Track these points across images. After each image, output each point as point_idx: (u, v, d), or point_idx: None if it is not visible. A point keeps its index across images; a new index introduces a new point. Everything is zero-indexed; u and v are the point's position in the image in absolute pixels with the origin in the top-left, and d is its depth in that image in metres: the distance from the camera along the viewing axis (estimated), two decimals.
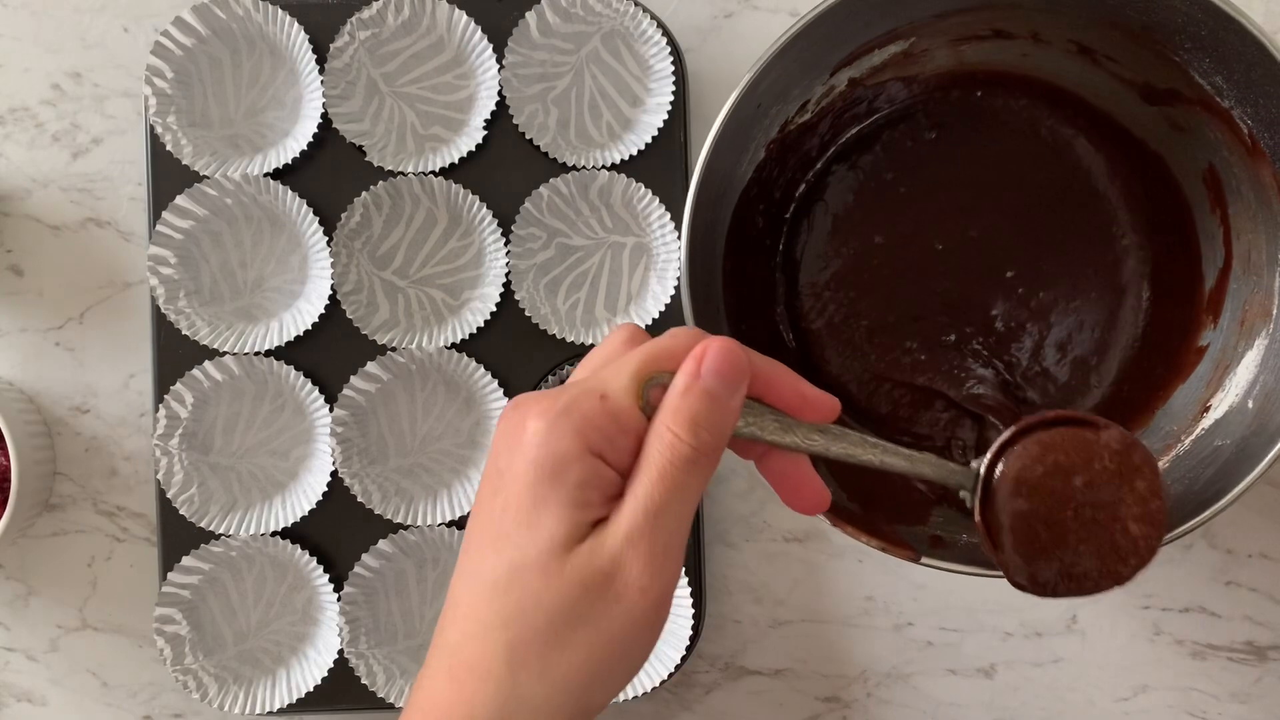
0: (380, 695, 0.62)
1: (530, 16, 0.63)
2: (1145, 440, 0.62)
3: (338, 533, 0.64)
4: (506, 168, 0.64)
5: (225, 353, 0.63)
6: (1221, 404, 0.60)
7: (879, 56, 0.60)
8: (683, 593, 0.63)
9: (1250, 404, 0.58)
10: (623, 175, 0.64)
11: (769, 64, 0.53)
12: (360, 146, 0.64)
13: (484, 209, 0.64)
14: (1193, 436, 0.60)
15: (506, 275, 0.64)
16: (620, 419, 0.40)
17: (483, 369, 0.63)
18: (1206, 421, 0.60)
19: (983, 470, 0.43)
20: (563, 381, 0.65)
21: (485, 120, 0.64)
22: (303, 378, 0.63)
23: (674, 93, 0.64)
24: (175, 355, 0.64)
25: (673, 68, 0.64)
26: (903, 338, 0.64)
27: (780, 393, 0.43)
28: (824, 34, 0.54)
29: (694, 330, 0.42)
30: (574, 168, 0.64)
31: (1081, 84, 0.63)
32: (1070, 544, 0.43)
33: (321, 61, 0.63)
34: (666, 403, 0.40)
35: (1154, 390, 0.64)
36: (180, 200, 0.63)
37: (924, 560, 0.54)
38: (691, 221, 0.54)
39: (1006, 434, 0.43)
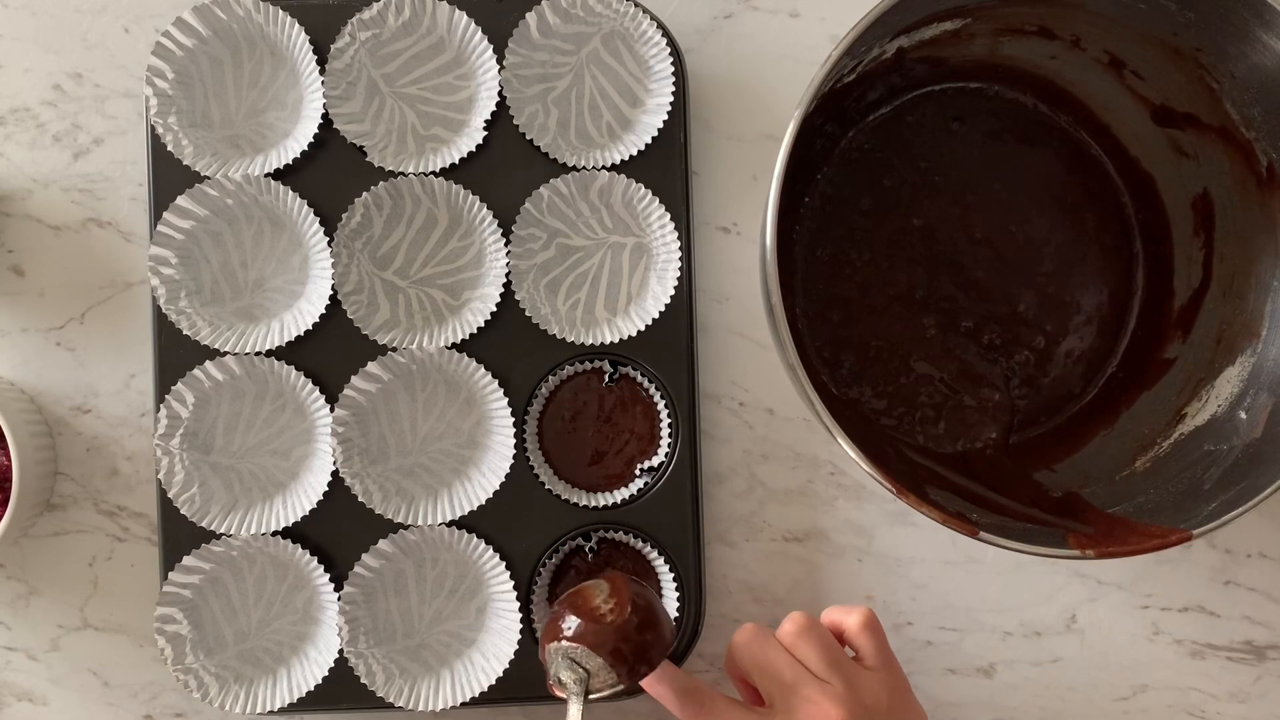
0: (380, 694, 0.62)
1: (530, 17, 0.63)
2: (1113, 440, 0.64)
3: (338, 532, 0.64)
4: (507, 168, 0.65)
5: (226, 353, 0.63)
6: (1200, 413, 0.60)
7: (932, 30, 0.60)
8: (670, 591, 0.64)
9: (1243, 414, 0.58)
10: (623, 175, 0.64)
11: (887, 11, 0.53)
12: (361, 147, 0.64)
13: (484, 209, 0.64)
14: (1171, 440, 0.60)
15: (507, 275, 0.64)
16: None
17: (483, 369, 0.64)
18: (1185, 427, 0.61)
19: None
20: (563, 382, 0.66)
21: (486, 121, 0.64)
22: (303, 378, 0.63)
23: (674, 93, 0.64)
24: (176, 355, 0.64)
25: (672, 68, 0.64)
26: (922, 314, 0.65)
27: None
28: None
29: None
30: (574, 168, 0.64)
31: (1094, 95, 0.64)
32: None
33: (322, 62, 0.64)
34: None
35: (1119, 395, 0.65)
36: (181, 200, 0.63)
37: (982, 535, 0.53)
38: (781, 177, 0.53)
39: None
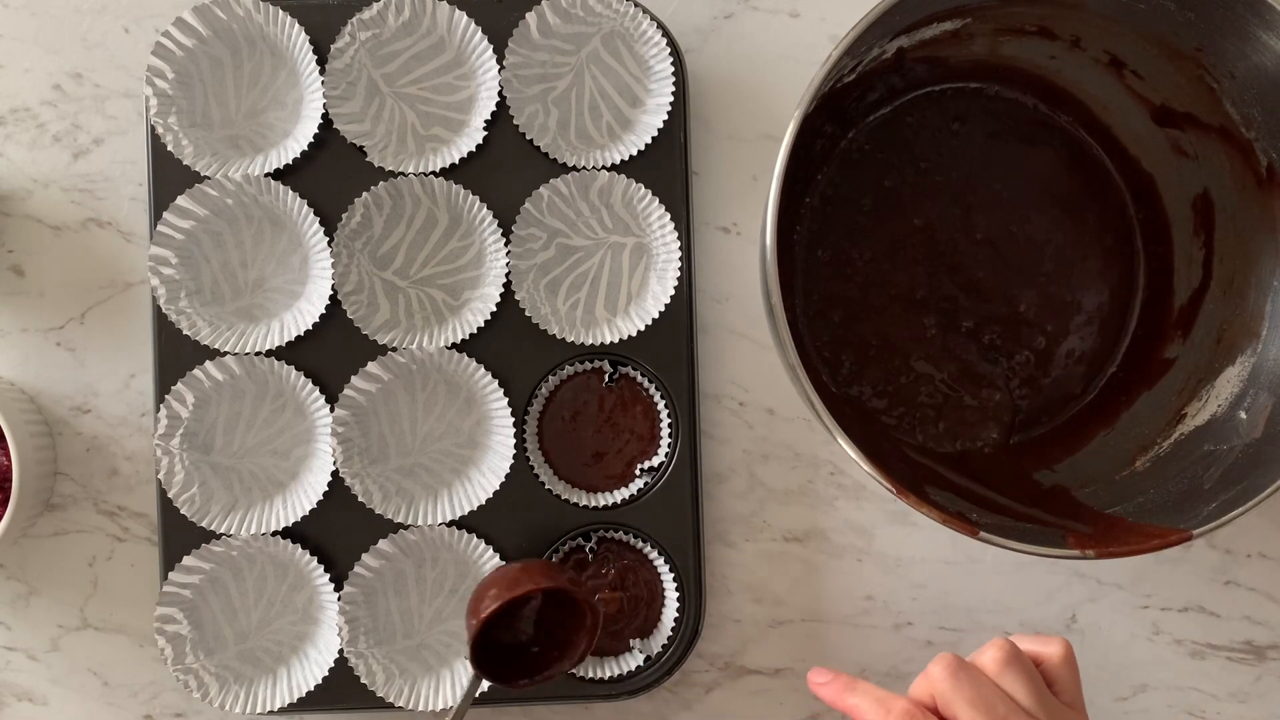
0: (380, 694, 0.62)
1: (530, 17, 0.63)
2: (1113, 440, 0.64)
3: (338, 532, 0.64)
4: (507, 168, 0.65)
5: (226, 353, 0.63)
6: (1200, 413, 0.60)
7: (933, 30, 0.60)
8: (670, 591, 0.64)
9: (1243, 414, 0.58)
10: (623, 175, 0.64)
11: (886, 12, 0.53)
12: (361, 147, 0.64)
13: (484, 209, 0.64)
14: (1171, 440, 0.60)
15: (507, 275, 0.64)
16: None
17: (483, 369, 0.64)
18: (1185, 427, 0.61)
19: None
20: (563, 382, 0.65)
21: (486, 121, 0.64)
22: (303, 378, 0.63)
23: (674, 93, 0.64)
24: (176, 355, 0.64)
25: (672, 68, 0.64)
26: (923, 314, 0.65)
27: None
28: None
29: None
30: (574, 168, 0.64)
31: (1094, 95, 0.64)
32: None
33: (322, 62, 0.64)
34: None
35: (1119, 395, 0.65)
36: (181, 200, 0.63)
37: (982, 535, 0.53)
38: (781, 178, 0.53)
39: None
